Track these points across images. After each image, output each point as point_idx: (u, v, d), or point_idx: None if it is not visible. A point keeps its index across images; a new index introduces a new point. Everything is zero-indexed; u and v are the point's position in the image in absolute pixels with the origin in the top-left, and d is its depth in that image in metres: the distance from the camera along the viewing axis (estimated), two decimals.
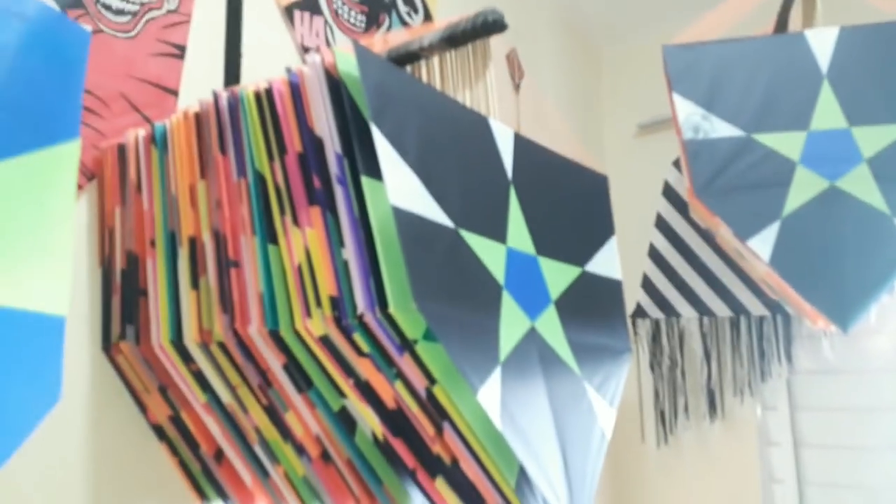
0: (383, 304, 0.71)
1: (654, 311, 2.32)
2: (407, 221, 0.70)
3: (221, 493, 1.01)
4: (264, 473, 0.93)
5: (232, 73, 1.26)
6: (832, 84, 1.19)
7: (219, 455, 0.97)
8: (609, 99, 2.85)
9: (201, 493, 1.04)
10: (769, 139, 1.18)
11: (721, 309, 2.33)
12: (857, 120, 1.15)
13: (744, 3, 1.44)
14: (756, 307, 2.27)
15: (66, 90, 0.46)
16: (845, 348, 2.26)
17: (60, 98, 0.46)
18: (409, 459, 0.81)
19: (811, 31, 1.22)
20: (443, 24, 0.99)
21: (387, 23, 1.65)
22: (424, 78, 1.03)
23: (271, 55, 1.35)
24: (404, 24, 1.68)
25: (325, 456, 0.87)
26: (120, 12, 1.11)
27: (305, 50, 1.44)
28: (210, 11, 1.26)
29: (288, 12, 1.42)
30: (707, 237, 2.30)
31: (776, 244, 1.13)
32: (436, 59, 1.02)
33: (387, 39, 1.04)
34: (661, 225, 2.39)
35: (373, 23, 1.62)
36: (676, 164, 2.37)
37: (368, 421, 0.81)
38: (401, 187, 0.71)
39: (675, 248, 2.36)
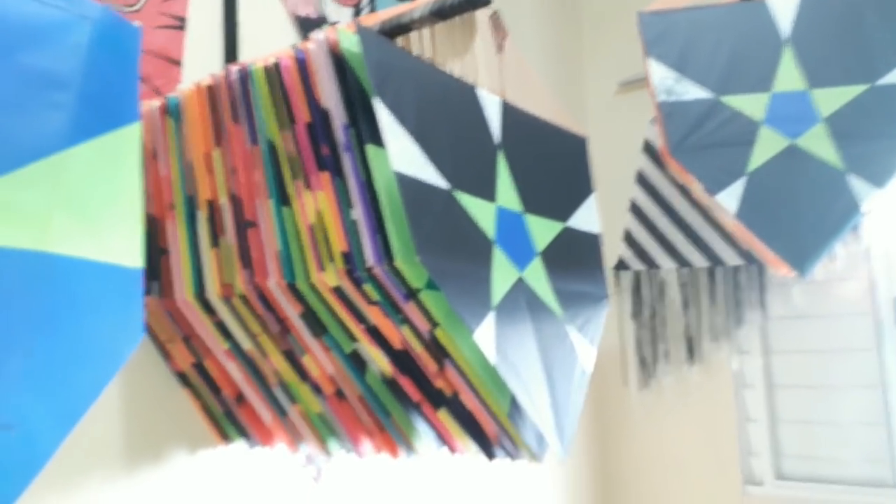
0: (390, 257, 0.80)
1: (636, 264, 2.43)
2: (408, 185, 0.80)
3: (242, 433, 1.12)
4: (282, 412, 1.04)
5: (230, 42, 1.34)
6: (793, 48, 1.28)
7: (240, 398, 1.08)
8: (590, 57, 2.92)
9: (223, 434, 1.15)
10: (735, 101, 1.28)
11: (699, 260, 2.44)
12: (815, 82, 1.25)
13: None
14: (731, 258, 2.38)
15: (126, 80, 0.54)
16: (816, 294, 2.40)
17: (122, 87, 0.54)
18: (414, 394, 0.92)
19: None
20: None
21: None
22: (415, 49, 1.11)
23: (266, 24, 1.42)
24: None
25: (339, 393, 0.97)
26: None
27: (298, 19, 1.50)
28: None
29: None
30: (685, 192, 2.40)
31: (742, 198, 1.23)
32: (426, 31, 1.09)
33: (377, 15, 1.11)
34: (642, 180, 2.49)
35: None
36: (654, 120, 2.47)
37: (378, 361, 0.92)
38: (402, 154, 0.80)
39: (655, 203, 2.47)
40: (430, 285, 0.81)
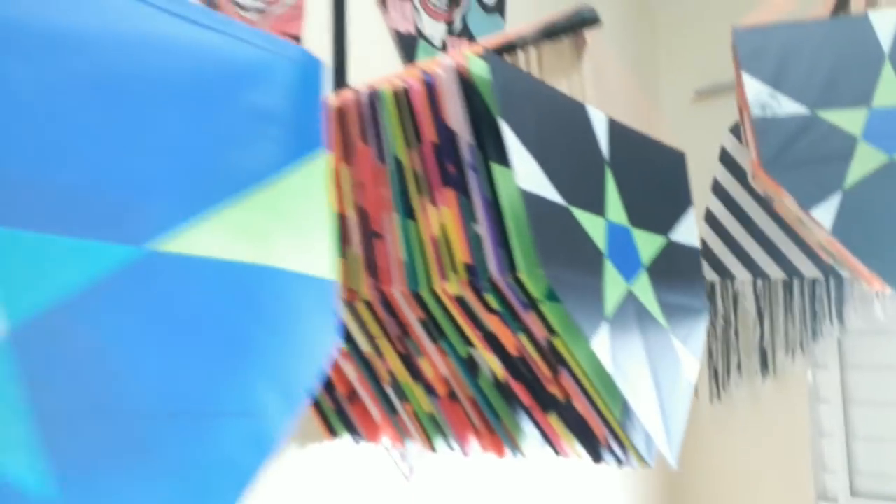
0: (513, 269, 0.86)
1: (710, 274, 2.43)
2: (532, 201, 0.85)
3: (351, 429, 1.19)
4: (392, 410, 1.11)
5: (339, 59, 1.41)
6: (893, 62, 1.28)
7: (352, 396, 1.14)
8: (665, 64, 2.92)
9: (331, 430, 1.22)
10: (832, 116, 1.29)
11: (775, 272, 2.43)
12: None
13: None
14: (809, 270, 2.36)
15: (317, 109, 0.61)
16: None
17: (315, 116, 0.61)
18: (525, 398, 0.97)
19: (875, 13, 1.31)
20: (541, 21, 1.12)
21: (466, 3, 1.77)
22: (523, 66, 1.16)
23: (370, 39, 1.49)
24: (481, 3, 1.80)
25: (452, 395, 1.03)
26: (250, 9, 1.26)
27: (398, 34, 1.57)
28: (318, 3, 1.40)
29: (383, 0, 1.55)
30: (763, 202, 2.39)
31: (837, 214, 1.24)
32: (532, 51, 1.14)
33: (489, 40, 1.16)
34: (718, 190, 2.49)
35: (454, 3, 1.74)
36: (733, 130, 2.46)
37: (492, 366, 0.97)
38: (526, 172, 0.86)
39: (731, 213, 2.46)
40: (550, 296, 0.86)
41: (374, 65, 1.48)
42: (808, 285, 2.46)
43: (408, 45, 1.60)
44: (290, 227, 0.55)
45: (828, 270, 2.33)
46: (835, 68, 1.30)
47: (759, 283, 2.55)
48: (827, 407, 2.47)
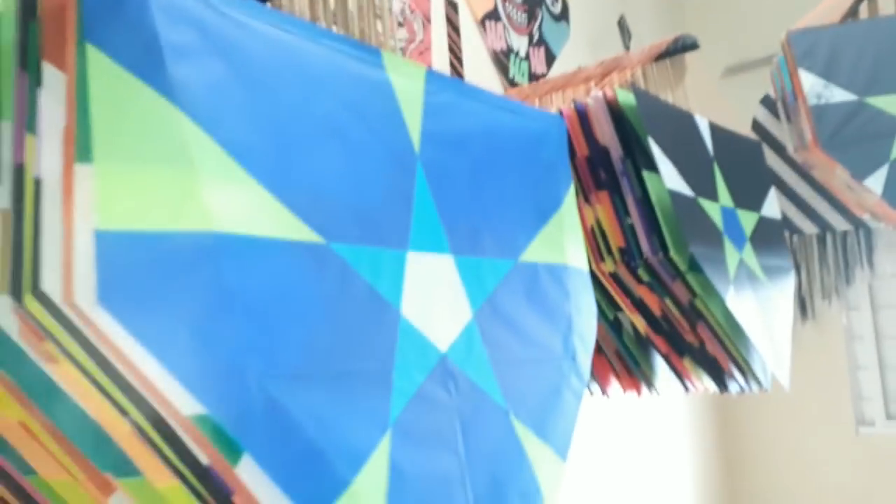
0: (665, 249, 1.14)
1: None
2: (676, 197, 1.13)
3: None
4: None
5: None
6: None
7: None
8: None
9: None
10: (878, 101, 1.56)
11: (809, 227, 2.71)
12: None
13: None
14: (840, 223, 2.64)
15: (567, 155, 0.89)
16: None
17: (567, 160, 0.88)
18: (663, 347, 1.27)
19: None
20: (648, 46, 1.39)
21: (539, 16, 2.03)
22: (629, 85, 1.44)
23: (479, 58, 1.76)
24: (551, 14, 2.06)
25: (599, 349, 1.33)
26: (395, 48, 1.53)
27: (493, 52, 1.84)
28: (439, 36, 1.66)
29: (482, 23, 1.81)
30: (795, 166, 2.67)
31: (886, 182, 1.52)
32: (639, 70, 1.42)
33: (602, 65, 1.43)
34: None
35: (531, 18, 2.00)
36: (764, 101, 2.73)
37: (636, 324, 1.26)
38: (669, 175, 1.14)
39: None
40: (693, 268, 1.15)
41: (482, 80, 1.75)
42: (839, 237, 2.74)
43: (502, 60, 1.87)
44: (570, 237, 0.83)
45: (857, 223, 2.61)
46: (876, 61, 1.57)
47: (795, 238, 2.83)
48: (861, 343, 2.79)
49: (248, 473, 0.49)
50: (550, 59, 2.06)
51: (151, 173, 0.49)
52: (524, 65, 1.93)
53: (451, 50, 1.65)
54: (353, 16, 1.29)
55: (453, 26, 1.65)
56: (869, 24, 1.63)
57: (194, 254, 0.49)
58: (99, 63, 0.48)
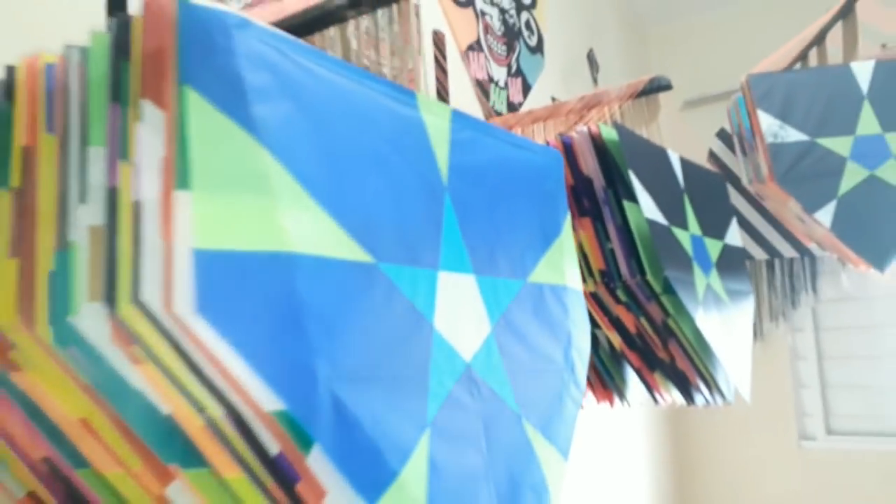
0: (642, 273, 1.25)
1: None
2: (654, 226, 1.24)
3: None
4: None
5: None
6: (870, 101, 1.71)
7: None
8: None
9: None
10: (827, 142, 1.72)
11: (759, 253, 2.89)
12: (888, 127, 1.69)
13: (797, 44, 1.96)
14: (787, 250, 2.82)
15: (563, 195, 0.98)
16: (859, 279, 2.84)
17: (564, 191, 0.98)
18: (636, 361, 1.37)
19: (855, 63, 1.75)
20: (625, 85, 1.50)
21: (517, 48, 2.14)
22: (608, 119, 1.55)
23: (458, 87, 1.86)
24: (528, 46, 2.17)
25: None
26: (387, 75, 1.61)
27: (476, 81, 1.94)
28: (428, 66, 1.75)
29: (466, 54, 1.91)
30: (746, 195, 2.85)
31: (834, 215, 1.67)
32: (616, 107, 1.53)
33: (581, 98, 1.54)
34: None
35: (510, 50, 2.11)
36: (720, 135, 2.90)
37: (612, 340, 1.37)
38: (647, 206, 1.25)
39: None
40: (666, 290, 1.26)
41: (465, 106, 1.84)
42: (786, 263, 2.92)
43: (484, 88, 1.97)
44: (568, 260, 0.92)
45: (804, 251, 2.79)
46: (826, 106, 1.72)
47: (746, 263, 3.00)
48: (805, 363, 2.97)
49: (317, 462, 0.56)
50: (526, 88, 2.17)
51: (238, 200, 0.56)
52: (503, 94, 2.04)
53: (438, 79, 1.74)
54: (351, 45, 1.38)
55: (440, 56, 1.74)
56: (820, 72, 1.79)
57: (274, 271, 0.56)
58: (195, 103, 0.55)
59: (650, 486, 2.89)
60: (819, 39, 2.09)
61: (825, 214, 1.68)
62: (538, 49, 2.22)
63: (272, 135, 0.59)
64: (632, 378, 1.43)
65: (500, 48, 2.05)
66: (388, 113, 0.73)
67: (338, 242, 0.62)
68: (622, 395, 1.45)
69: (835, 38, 2.00)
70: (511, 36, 2.11)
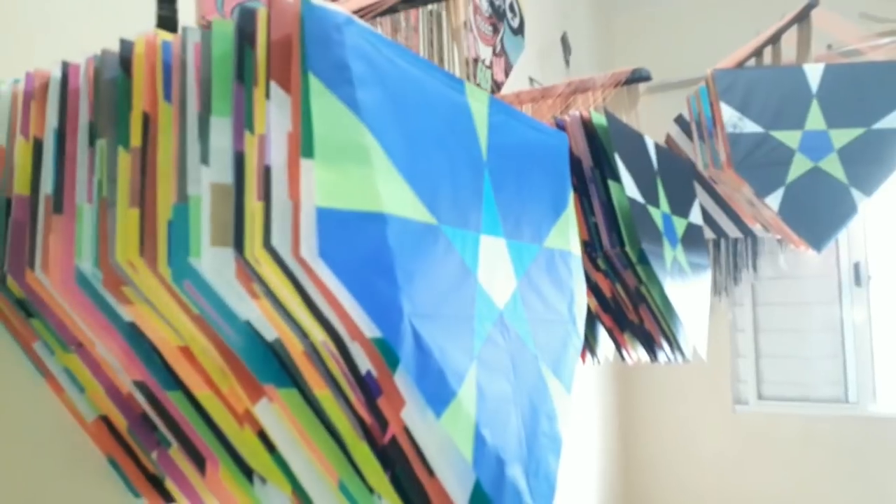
0: (621, 244, 1.42)
1: None
2: (634, 204, 1.42)
3: None
4: None
5: None
6: (818, 100, 1.92)
7: None
8: (621, 65, 3.53)
9: None
10: (780, 134, 1.92)
11: (708, 233, 3.12)
12: (832, 124, 1.90)
13: (755, 42, 2.15)
14: (733, 231, 3.06)
15: (568, 173, 1.13)
16: (793, 260, 3.12)
17: (568, 178, 1.13)
18: (609, 322, 1.56)
19: (807, 65, 1.95)
20: (610, 73, 1.66)
21: (502, 29, 2.27)
22: (591, 104, 1.71)
23: (450, 67, 1.98)
24: (511, 28, 2.31)
25: None
26: None
27: (466, 60, 2.06)
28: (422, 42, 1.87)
29: (457, 33, 2.03)
30: (700, 179, 3.07)
31: (782, 200, 1.88)
32: (600, 94, 1.69)
33: (572, 82, 1.69)
34: None
35: (495, 31, 2.24)
36: (678, 120, 3.10)
37: (589, 304, 1.54)
38: (629, 186, 1.42)
39: None
40: (642, 260, 1.44)
41: None
42: (731, 243, 3.16)
43: (472, 67, 2.10)
44: (572, 230, 1.08)
45: (747, 232, 3.03)
46: (780, 102, 1.92)
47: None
48: (742, 335, 3.24)
49: (400, 378, 0.70)
50: (508, 68, 2.31)
51: (346, 168, 0.69)
52: (488, 73, 2.17)
53: (440, 58, 1.86)
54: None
55: (436, 35, 1.86)
56: (777, 71, 1.99)
57: (373, 227, 0.70)
58: (316, 87, 0.68)
59: (598, 445, 3.14)
60: (775, 39, 2.29)
61: (774, 199, 1.90)
62: (520, 31, 2.36)
63: (370, 115, 0.72)
64: (603, 338, 1.62)
65: (487, 28, 2.18)
66: (445, 98, 0.86)
67: (413, 207, 0.76)
68: (594, 353, 1.64)
69: (789, 40, 2.21)
70: (497, 17, 2.24)
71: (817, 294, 3.13)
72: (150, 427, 0.93)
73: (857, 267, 3.07)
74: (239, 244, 0.69)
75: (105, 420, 0.97)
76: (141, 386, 0.87)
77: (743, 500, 3.17)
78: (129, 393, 0.91)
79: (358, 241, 0.69)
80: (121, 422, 0.96)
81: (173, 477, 0.93)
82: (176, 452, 0.90)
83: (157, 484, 0.96)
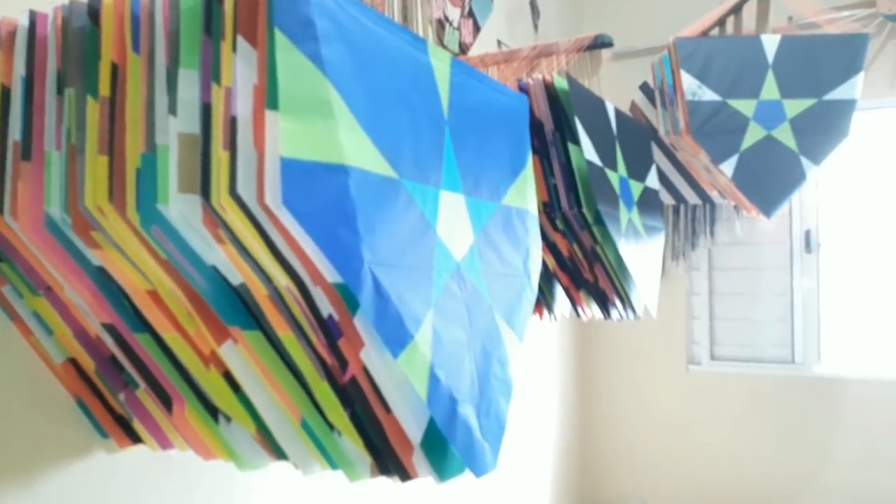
0: (579, 205, 1.48)
1: None
2: (592, 167, 1.47)
3: None
4: None
5: None
6: (773, 70, 1.99)
7: None
8: (590, 27, 3.55)
9: None
10: (736, 103, 1.98)
11: (667, 199, 3.20)
12: (786, 94, 1.97)
13: (719, 11, 2.20)
14: (692, 198, 3.14)
15: (528, 134, 1.17)
16: (749, 227, 3.22)
17: (528, 139, 1.16)
18: (565, 281, 1.62)
19: (764, 35, 2.01)
20: (573, 38, 1.70)
21: None
22: (555, 68, 1.75)
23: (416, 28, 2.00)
24: None
25: None
26: None
27: (432, 21, 2.08)
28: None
29: None
30: (661, 145, 3.15)
31: (735, 167, 1.96)
32: (564, 59, 1.73)
33: (521, 51, 1.72)
34: None
35: None
36: (642, 87, 3.15)
37: (547, 262, 1.60)
38: (588, 149, 1.47)
39: None
40: (597, 221, 1.50)
41: None
42: (690, 209, 3.25)
43: (440, 28, 2.11)
44: (529, 190, 1.13)
45: (706, 198, 3.11)
46: (737, 71, 1.98)
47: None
48: (698, 298, 3.36)
49: (360, 321, 0.75)
50: (477, 30, 2.32)
51: (310, 121, 0.72)
52: (456, 34, 2.18)
53: (405, 18, 1.87)
54: None
55: None
56: (736, 41, 2.05)
57: (335, 178, 0.73)
58: (281, 42, 0.71)
59: (558, 399, 3.24)
60: (737, 9, 2.34)
61: (728, 166, 1.97)
62: None
63: (334, 70, 0.75)
64: (560, 295, 1.68)
65: None
66: (408, 57, 0.89)
67: (375, 160, 0.80)
68: (550, 309, 1.71)
69: (751, 10, 2.26)
70: None
71: (770, 260, 3.25)
72: (118, 369, 0.96)
73: (807, 235, 3.18)
74: (205, 191, 0.72)
75: (73, 362, 1.00)
76: (109, 328, 0.90)
77: (692, 454, 3.32)
78: (97, 336, 0.94)
79: (321, 191, 0.72)
80: (89, 364, 0.99)
81: (140, 417, 0.97)
82: (143, 393, 0.94)
83: (124, 425, 1.00)
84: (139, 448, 1.04)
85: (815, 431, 3.12)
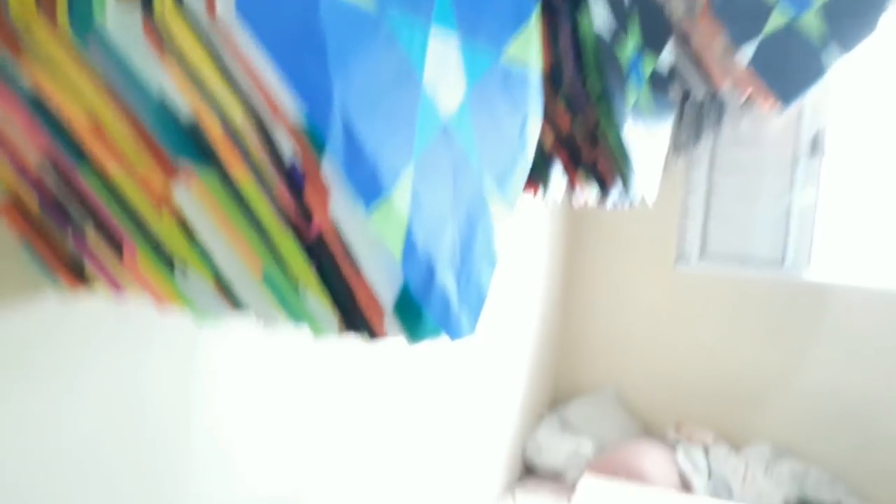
0: (583, 79, 1.36)
1: None
2: (600, 39, 1.33)
3: None
4: None
5: None
6: None
7: None
8: None
9: None
10: None
11: (675, 89, 3.02)
12: None
13: None
14: (700, 90, 2.97)
15: None
16: (755, 125, 3.10)
17: None
18: (564, 159, 1.52)
19: None
20: None
21: None
22: None
23: None
24: None
25: None
26: None
27: None
28: None
29: None
30: (675, 33, 2.93)
31: (755, 53, 1.81)
32: None
33: None
34: None
35: None
36: None
37: (545, 139, 1.50)
38: (599, 18, 1.33)
39: None
40: (600, 98, 1.38)
41: None
42: (696, 103, 3.09)
43: None
44: (534, 49, 1.01)
45: (714, 93, 2.94)
46: None
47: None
48: (694, 195, 3.28)
49: (327, 167, 0.66)
50: None
51: None
52: None
53: None
54: None
55: None
56: None
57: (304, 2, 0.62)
58: None
59: (543, 285, 3.23)
60: None
61: (748, 49, 1.82)
62: None
63: None
64: (556, 175, 1.59)
65: None
66: None
67: None
68: (546, 188, 1.62)
69: None
70: None
71: (772, 162, 3.15)
72: (64, 210, 0.88)
73: (815, 137, 3.07)
74: (147, 3, 0.61)
75: (16, 202, 0.91)
76: (49, 159, 0.81)
77: (670, 349, 3.36)
78: (37, 174, 0.84)
79: (284, 8, 0.61)
80: (32, 202, 0.90)
81: (91, 261, 0.89)
82: (92, 236, 0.86)
83: (74, 268, 0.92)
84: (95, 300, 0.97)
85: (795, 335, 3.14)
